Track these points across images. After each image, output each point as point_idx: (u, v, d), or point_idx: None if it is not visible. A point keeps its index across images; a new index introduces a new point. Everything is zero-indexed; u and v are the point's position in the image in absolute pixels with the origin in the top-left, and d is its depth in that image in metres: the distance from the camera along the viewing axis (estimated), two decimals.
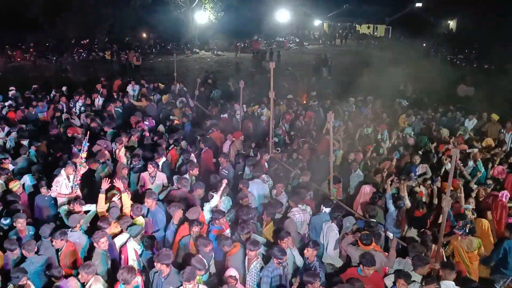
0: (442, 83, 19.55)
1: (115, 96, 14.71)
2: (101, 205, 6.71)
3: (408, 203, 7.64)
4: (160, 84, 17.09)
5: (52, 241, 5.82)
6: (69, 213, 6.73)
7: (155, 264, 5.27)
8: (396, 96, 16.33)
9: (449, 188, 5.99)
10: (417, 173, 9.09)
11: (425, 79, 19.54)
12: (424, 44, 33.37)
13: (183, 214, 6.55)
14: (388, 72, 17.60)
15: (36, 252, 5.75)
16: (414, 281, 5.38)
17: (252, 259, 5.68)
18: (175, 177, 8.17)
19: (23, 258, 5.78)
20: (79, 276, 5.10)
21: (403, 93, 17.84)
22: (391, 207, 7.36)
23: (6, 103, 13.45)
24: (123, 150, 9.16)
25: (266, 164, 9.01)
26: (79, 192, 7.44)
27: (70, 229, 6.24)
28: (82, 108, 13.47)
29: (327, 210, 6.88)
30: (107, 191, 6.85)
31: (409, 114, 13.55)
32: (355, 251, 6.03)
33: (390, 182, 7.81)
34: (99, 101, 14.29)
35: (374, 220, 6.90)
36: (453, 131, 12.12)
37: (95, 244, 5.68)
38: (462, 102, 16.40)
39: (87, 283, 5.13)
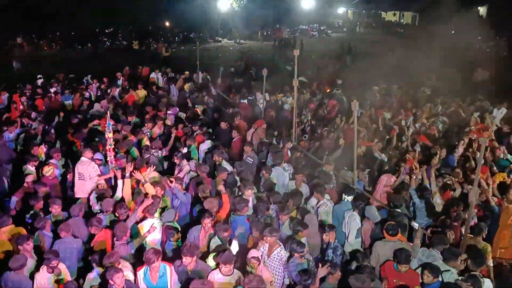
0: (470, 72, 18.94)
1: (127, 86, 14.85)
2: (127, 190, 6.68)
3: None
4: (186, 73, 17.15)
5: (88, 227, 5.95)
6: (100, 197, 6.83)
7: (183, 256, 5.15)
8: (421, 85, 15.92)
9: (477, 178, 5.84)
10: (455, 163, 8.83)
11: (453, 68, 18.95)
12: (453, 32, 32.22)
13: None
14: (414, 61, 17.13)
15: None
16: (448, 270, 5.29)
17: (273, 246, 5.60)
18: (191, 162, 8.19)
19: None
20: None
21: (428, 81, 17.34)
22: (417, 200, 7.21)
23: (52, 89, 13.86)
24: (145, 138, 9.33)
25: (289, 152, 8.97)
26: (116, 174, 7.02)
27: (102, 213, 6.38)
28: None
29: (349, 198, 6.79)
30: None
31: (436, 103, 13.19)
32: (383, 245, 5.84)
33: (414, 177, 7.65)
34: (115, 90, 14.28)
35: (399, 210, 6.78)
36: (481, 120, 11.73)
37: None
38: (493, 92, 15.84)
39: None
